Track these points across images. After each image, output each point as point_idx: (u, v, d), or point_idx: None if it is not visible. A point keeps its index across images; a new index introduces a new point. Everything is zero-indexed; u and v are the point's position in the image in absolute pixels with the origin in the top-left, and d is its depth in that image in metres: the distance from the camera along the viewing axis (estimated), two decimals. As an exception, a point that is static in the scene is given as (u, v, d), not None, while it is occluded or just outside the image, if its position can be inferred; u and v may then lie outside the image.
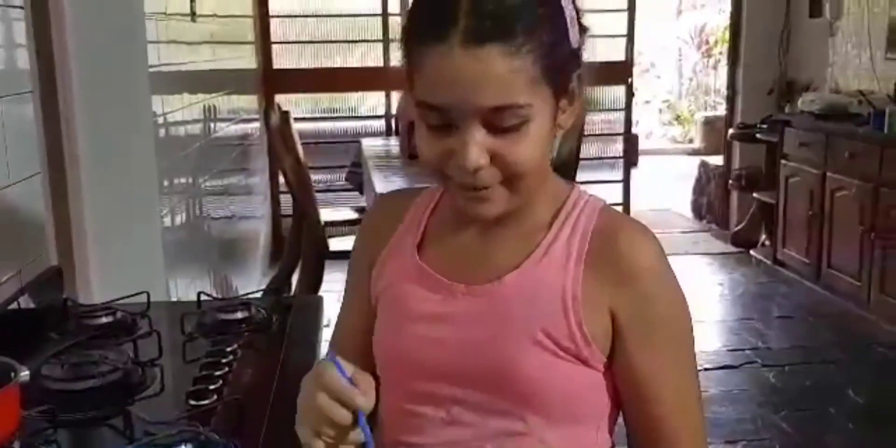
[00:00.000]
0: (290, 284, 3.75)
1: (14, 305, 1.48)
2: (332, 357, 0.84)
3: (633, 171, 5.61)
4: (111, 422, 1.18)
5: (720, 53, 8.54)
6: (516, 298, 0.90)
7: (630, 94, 5.40)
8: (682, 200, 6.17)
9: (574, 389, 0.90)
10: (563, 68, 0.87)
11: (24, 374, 1.06)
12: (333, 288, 3.96)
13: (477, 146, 0.84)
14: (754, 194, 5.05)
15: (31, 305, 1.53)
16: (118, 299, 1.59)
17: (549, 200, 0.94)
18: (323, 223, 3.80)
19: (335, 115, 5.39)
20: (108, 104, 2.15)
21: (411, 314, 0.95)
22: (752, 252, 5.04)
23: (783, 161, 4.59)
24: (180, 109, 2.72)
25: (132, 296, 1.60)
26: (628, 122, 5.48)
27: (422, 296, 0.95)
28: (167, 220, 2.42)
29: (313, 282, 3.62)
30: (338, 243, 3.87)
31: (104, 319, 1.51)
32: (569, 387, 0.89)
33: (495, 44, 0.81)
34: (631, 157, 5.57)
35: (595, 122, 5.13)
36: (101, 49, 2.09)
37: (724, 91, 6.30)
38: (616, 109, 5.37)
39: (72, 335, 1.41)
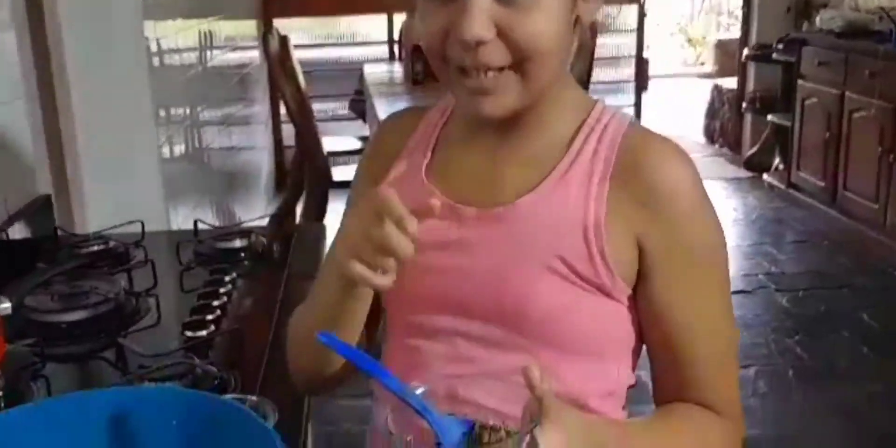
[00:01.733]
0: (293, 215, 3.70)
1: (1, 236, 1.42)
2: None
3: (644, 96, 5.49)
4: (103, 354, 1.12)
5: (735, -28, 8.26)
6: (531, 223, 0.82)
7: (642, 16, 5.22)
8: (694, 125, 6.05)
9: (593, 322, 0.83)
10: None
11: (5, 306, 0.99)
12: (338, 217, 3.89)
13: (480, 13, 0.74)
14: (769, 117, 4.93)
15: (20, 236, 1.46)
16: (111, 228, 1.53)
17: (569, 113, 0.85)
18: (326, 153, 3.72)
19: (336, 41, 5.24)
20: (98, 28, 2.05)
21: (416, 241, 0.87)
22: (765, 176, 4.95)
23: (800, 82, 4.45)
24: (175, 34, 2.61)
25: (125, 224, 1.53)
26: (640, 44, 5.32)
27: (428, 221, 0.87)
28: (165, 151, 2.35)
29: (317, 212, 3.57)
30: (341, 173, 3.80)
31: (96, 248, 1.45)
32: (587, 319, 0.82)
33: None
34: (642, 80, 5.44)
35: (605, 45, 4.97)
36: (87, -31, 1.99)
37: (737, 12, 6.10)
38: (627, 31, 5.21)
39: (61, 265, 1.35)
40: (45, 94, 1.89)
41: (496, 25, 0.75)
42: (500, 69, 0.77)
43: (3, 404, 0.96)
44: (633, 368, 0.90)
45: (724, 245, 0.87)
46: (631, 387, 0.90)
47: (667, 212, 0.81)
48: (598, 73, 4.97)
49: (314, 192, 3.62)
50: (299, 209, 3.69)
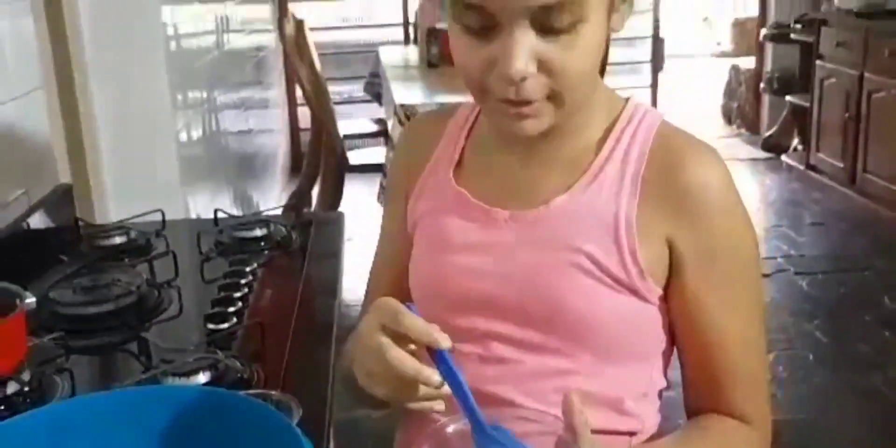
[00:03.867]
0: (310, 198, 3.70)
1: (23, 226, 1.43)
2: (411, 306, 0.76)
3: (661, 76, 5.43)
4: (126, 347, 1.13)
5: (752, -50, 8.15)
6: (563, 224, 0.82)
7: (657, -5, 5.16)
8: (711, 105, 5.99)
9: (625, 324, 0.82)
10: None
11: (30, 301, 1.00)
12: (354, 201, 3.91)
13: (525, 50, 0.73)
14: (787, 97, 4.88)
15: (41, 226, 1.47)
16: (132, 218, 1.53)
17: (600, 115, 0.85)
18: (342, 136, 3.71)
19: (351, 24, 5.22)
20: (115, 15, 2.05)
21: (449, 243, 0.87)
22: (783, 157, 4.91)
23: (819, 62, 4.40)
24: (191, 19, 2.60)
25: (146, 214, 1.53)
26: (656, 24, 5.26)
27: (460, 224, 0.87)
28: (182, 136, 2.35)
29: (334, 196, 3.57)
30: (357, 156, 3.80)
31: (117, 240, 1.45)
32: (619, 320, 0.82)
33: None
34: (658, 61, 5.38)
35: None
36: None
37: (756, -10, 6.01)
38: (642, 11, 5.14)
39: (83, 257, 1.36)
40: (63, 82, 1.89)
41: (538, 60, 0.74)
42: (536, 100, 0.77)
43: (28, 399, 0.96)
44: (665, 373, 0.89)
45: (756, 248, 0.86)
46: (664, 389, 0.90)
47: (698, 213, 0.81)
48: (614, 54, 4.92)
49: (330, 174, 3.62)
50: (315, 192, 3.70)
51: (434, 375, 0.70)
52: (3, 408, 0.94)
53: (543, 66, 0.75)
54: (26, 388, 0.97)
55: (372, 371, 0.73)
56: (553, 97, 0.77)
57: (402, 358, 0.71)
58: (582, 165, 0.83)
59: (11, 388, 0.96)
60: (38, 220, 1.46)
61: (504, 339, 0.84)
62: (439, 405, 0.74)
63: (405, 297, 0.86)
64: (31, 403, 0.95)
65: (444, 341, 0.71)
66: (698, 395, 0.86)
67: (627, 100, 0.87)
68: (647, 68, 5.32)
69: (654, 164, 0.82)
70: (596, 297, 0.81)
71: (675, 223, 0.81)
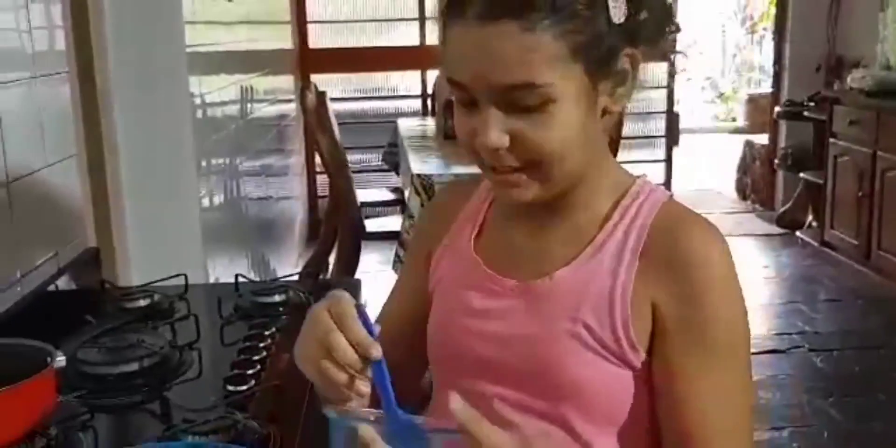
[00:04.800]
0: (326, 265, 3.74)
1: (52, 288, 1.47)
2: (362, 307, 0.78)
3: (675, 150, 5.51)
4: (148, 407, 1.16)
5: (765, 29, 8.34)
6: (564, 296, 0.86)
7: (672, 72, 5.27)
8: (725, 180, 6.04)
9: (617, 392, 0.85)
10: (599, 47, 0.80)
11: (61, 359, 1.04)
12: (370, 268, 3.95)
13: (495, 126, 0.80)
14: (801, 174, 4.93)
15: (69, 288, 1.52)
16: (156, 282, 1.58)
17: (607, 192, 0.89)
18: (359, 204, 3.78)
19: (371, 94, 5.36)
20: (145, 85, 2.13)
21: (460, 308, 0.92)
22: (798, 233, 4.93)
23: (832, 140, 4.46)
24: (217, 90, 2.70)
25: (170, 278, 1.58)
26: (670, 99, 5.37)
27: (473, 290, 0.91)
28: (205, 201, 2.42)
29: (350, 262, 3.61)
30: (374, 224, 3.86)
31: (141, 302, 1.50)
32: (612, 389, 0.84)
33: (511, 19, 0.77)
34: (673, 135, 5.46)
35: (635, 99, 4.97)
36: (137, 29, 2.08)
37: (768, 68, 6.16)
38: (657, 87, 5.26)
39: (109, 318, 1.40)
40: (92, 149, 1.96)
41: (510, 134, 0.81)
42: (519, 169, 0.83)
43: (54, 455, 0.99)
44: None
45: (745, 329, 0.85)
46: None
47: (688, 280, 0.83)
48: (629, 128, 5.01)
49: (347, 241, 3.67)
50: (332, 258, 3.74)
51: (362, 385, 0.74)
52: (29, 462, 0.97)
53: (516, 140, 0.81)
54: (52, 443, 1.00)
55: (307, 353, 0.77)
56: (533, 169, 0.82)
57: (339, 354, 0.75)
58: (586, 239, 0.87)
59: (39, 443, 0.99)
60: (66, 282, 1.51)
61: (509, 402, 0.87)
62: (353, 402, 0.76)
63: (404, 353, 0.93)
64: (56, 460, 0.98)
65: (375, 352, 0.74)
66: None
67: (637, 178, 0.92)
68: (662, 143, 5.40)
69: (654, 237, 0.85)
70: (590, 367, 0.83)
71: (666, 289, 0.83)
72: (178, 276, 1.59)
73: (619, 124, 3.11)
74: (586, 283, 0.85)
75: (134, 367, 1.21)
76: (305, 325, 0.79)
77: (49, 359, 1.03)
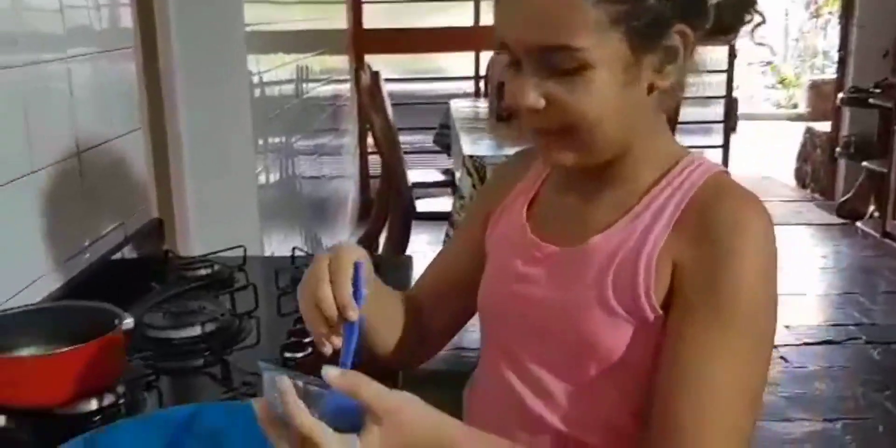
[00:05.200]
0: (377, 244, 3.79)
1: (118, 256, 1.53)
2: (360, 266, 0.83)
3: (733, 137, 5.41)
4: (209, 370, 1.21)
5: (830, 13, 8.15)
6: (595, 262, 0.87)
7: (732, 55, 5.17)
8: (784, 168, 5.93)
9: (643, 357, 0.84)
10: (643, 18, 0.80)
11: (128, 321, 1.09)
12: (420, 249, 3.98)
13: (532, 87, 0.82)
14: (864, 163, 4.82)
15: (134, 256, 1.57)
16: (216, 252, 1.63)
17: (655, 164, 0.90)
18: (410, 184, 3.81)
19: (424, 75, 5.37)
20: (205, 62, 2.19)
21: (506, 271, 0.95)
22: (858, 224, 4.83)
23: (896, 128, 4.36)
24: (274, 69, 2.74)
25: (229, 249, 1.63)
26: (729, 84, 5.27)
27: (518, 255, 0.94)
28: (262, 178, 2.47)
29: (400, 242, 3.65)
30: (424, 205, 3.89)
31: (203, 271, 1.55)
32: (637, 353, 0.85)
33: None
34: (731, 121, 5.37)
35: (694, 84, 4.90)
36: (199, 7, 2.13)
37: (832, 53, 6.01)
38: (716, 71, 5.16)
39: (172, 286, 1.45)
40: (154, 124, 2.02)
41: (546, 97, 0.82)
42: (555, 132, 0.85)
43: (123, 410, 1.04)
44: None
45: (767, 306, 0.82)
46: None
47: (716, 242, 0.81)
48: (686, 113, 4.94)
49: (397, 222, 3.71)
50: (382, 238, 3.79)
51: (334, 339, 0.80)
52: (99, 417, 1.02)
53: (552, 103, 0.82)
54: (121, 401, 1.05)
55: (302, 296, 0.84)
56: (570, 134, 0.84)
57: (323, 303, 0.81)
58: (626, 208, 0.89)
59: (108, 400, 1.04)
60: (131, 251, 1.57)
61: (542, 363, 0.90)
62: (326, 348, 0.82)
63: (437, 296, 1.03)
64: (125, 415, 1.03)
65: (352, 314, 0.80)
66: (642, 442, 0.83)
67: (689, 153, 0.92)
68: (720, 128, 5.31)
69: (692, 206, 0.85)
70: (615, 331, 0.85)
71: (691, 250, 0.82)
72: (237, 247, 1.63)
73: (676, 108, 3.08)
74: (616, 250, 0.86)
75: (196, 331, 1.26)
76: (308, 269, 0.85)
77: (117, 320, 1.07)
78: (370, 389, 0.69)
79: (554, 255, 0.91)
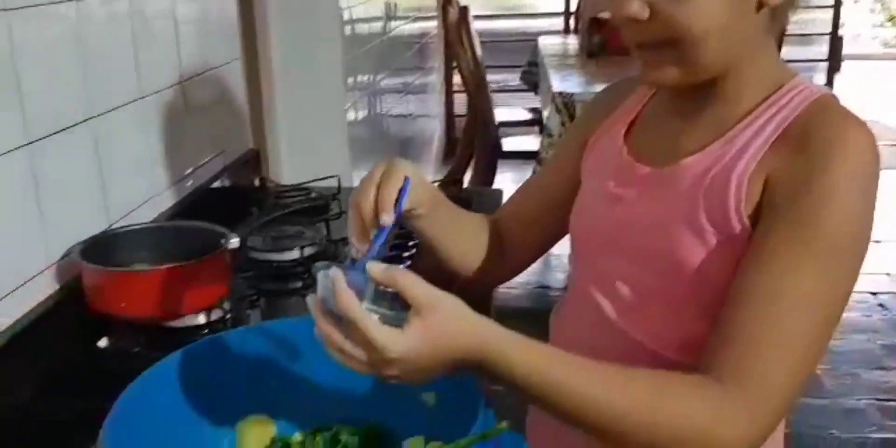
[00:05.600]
0: (461, 183, 3.81)
1: (217, 183, 1.58)
2: (408, 180, 0.86)
3: (837, 77, 5.19)
4: (308, 292, 1.24)
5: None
6: (687, 182, 0.86)
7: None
8: (891, 111, 5.66)
9: (730, 275, 0.82)
10: None
11: (235, 241, 1.13)
12: (504, 187, 3.96)
13: None
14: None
15: (234, 183, 1.62)
16: (311, 181, 1.67)
17: (757, 87, 0.87)
18: (497, 123, 3.80)
19: (513, 12, 5.29)
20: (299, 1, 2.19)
21: (600, 192, 0.95)
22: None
23: None
24: (363, 4, 2.74)
25: (324, 179, 1.66)
26: (835, 21, 5.03)
27: (613, 176, 0.94)
28: (350, 115, 2.49)
29: (485, 180, 3.66)
30: (510, 143, 3.87)
31: (299, 199, 1.59)
32: (724, 271, 0.82)
33: None
34: (835, 60, 5.14)
35: (797, 20, 4.71)
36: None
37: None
38: (821, 7, 4.93)
39: (270, 212, 1.49)
40: (249, 58, 2.05)
41: (651, 7, 0.80)
42: (657, 46, 0.82)
43: (229, 326, 1.09)
44: None
45: (857, 232, 0.78)
46: None
47: (810, 156, 0.78)
48: (788, 52, 4.74)
49: (483, 160, 3.71)
50: (467, 177, 3.80)
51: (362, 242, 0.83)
52: (207, 332, 1.08)
53: (656, 14, 0.80)
54: (227, 317, 1.10)
55: (354, 192, 0.86)
56: (673, 48, 0.81)
57: (363, 205, 0.83)
58: (724, 130, 0.86)
59: (216, 314, 1.09)
60: (230, 179, 1.61)
61: (629, 281, 0.90)
62: (352, 250, 0.85)
63: (523, 220, 1.04)
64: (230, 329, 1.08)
65: (386, 219, 0.82)
66: (703, 351, 0.80)
67: (795, 76, 0.89)
68: (823, 68, 5.10)
69: (794, 126, 0.82)
70: (703, 250, 0.83)
71: (784, 165, 0.80)
72: (331, 177, 1.67)
73: (778, 45, 2.96)
74: (709, 169, 0.85)
75: (295, 255, 1.30)
76: (369, 172, 0.88)
77: (224, 240, 1.12)
78: (413, 284, 0.70)
79: (647, 176, 0.91)
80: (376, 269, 0.71)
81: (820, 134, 0.79)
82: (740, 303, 0.78)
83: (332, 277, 0.70)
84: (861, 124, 0.81)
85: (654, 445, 0.73)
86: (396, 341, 0.67)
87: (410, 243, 1.40)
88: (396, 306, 0.70)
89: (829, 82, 5.09)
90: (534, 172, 3.04)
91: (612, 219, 0.93)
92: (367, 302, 0.70)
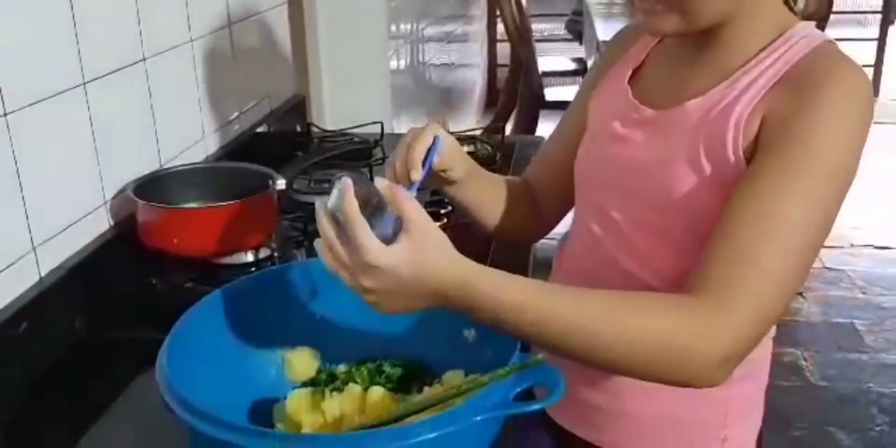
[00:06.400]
0: (503, 132, 3.80)
1: (263, 128, 1.61)
2: (437, 139, 0.90)
3: (891, 29, 5.02)
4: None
5: None
6: (690, 123, 0.88)
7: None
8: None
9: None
10: None
11: (281, 182, 1.16)
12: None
13: None
14: None
15: (280, 128, 1.65)
16: (355, 127, 1.68)
17: (760, 34, 0.88)
18: (540, 73, 3.77)
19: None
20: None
21: (605, 133, 0.98)
22: None
23: None
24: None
25: (367, 125, 1.68)
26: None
27: (618, 117, 0.96)
28: (393, 63, 2.49)
29: (528, 130, 3.65)
30: (554, 93, 3.85)
31: (343, 143, 1.61)
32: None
33: None
34: (889, 11, 4.96)
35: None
36: None
37: None
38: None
39: (315, 156, 1.52)
40: (294, 7, 2.06)
41: None
42: None
43: (276, 262, 1.13)
44: None
45: (838, 167, 0.81)
46: None
47: (802, 92, 0.81)
48: (840, 2, 4.59)
49: (525, 110, 3.69)
50: (509, 127, 3.79)
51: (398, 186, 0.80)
52: (254, 268, 1.11)
53: None
54: (274, 254, 1.13)
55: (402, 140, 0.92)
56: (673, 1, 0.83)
57: (395, 163, 0.90)
58: (727, 73, 0.88)
59: (264, 253, 1.13)
60: (276, 123, 1.64)
61: (634, 221, 0.93)
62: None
63: (547, 176, 1.07)
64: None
65: (415, 175, 0.88)
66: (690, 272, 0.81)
67: (798, 23, 0.90)
68: (876, 19, 4.93)
69: (793, 70, 0.84)
70: (703, 189, 0.86)
71: (779, 102, 0.82)
72: (374, 123, 1.69)
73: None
74: (710, 111, 0.87)
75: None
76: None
77: (272, 181, 1.15)
78: (412, 209, 0.73)
79: (651, 118, 0.93)
80: (383, 183, 0.75)
81: (815, 74, 0.82)
82: (726, 224, 0.80)
83: (343, 185, 0.73)
84: (857, 68, 0.84)
85: (633, 362, 0.75)
86: (381, 250, 0.70)
87: (447, 200, 1.42)
88: (400, 238, 0.72)
89: (883, 35, 4.91)
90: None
91: (616, 159, 0.95)
92: (374, 221, 0.72)
